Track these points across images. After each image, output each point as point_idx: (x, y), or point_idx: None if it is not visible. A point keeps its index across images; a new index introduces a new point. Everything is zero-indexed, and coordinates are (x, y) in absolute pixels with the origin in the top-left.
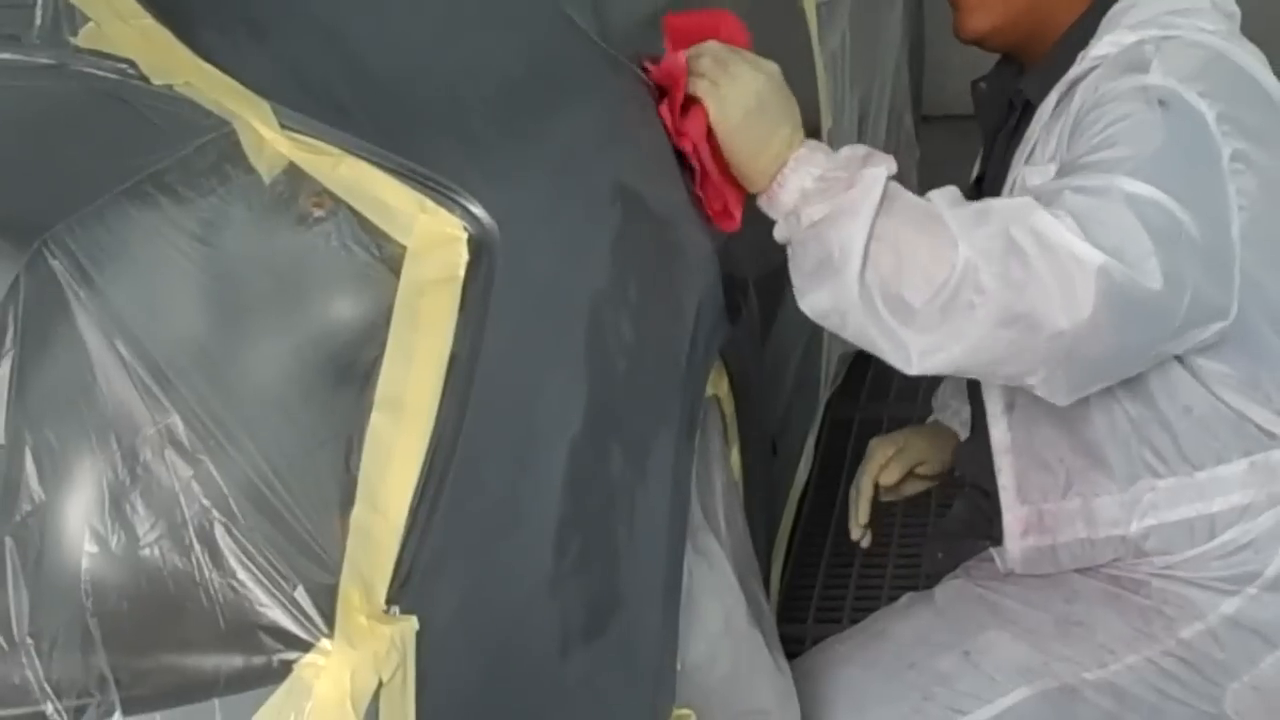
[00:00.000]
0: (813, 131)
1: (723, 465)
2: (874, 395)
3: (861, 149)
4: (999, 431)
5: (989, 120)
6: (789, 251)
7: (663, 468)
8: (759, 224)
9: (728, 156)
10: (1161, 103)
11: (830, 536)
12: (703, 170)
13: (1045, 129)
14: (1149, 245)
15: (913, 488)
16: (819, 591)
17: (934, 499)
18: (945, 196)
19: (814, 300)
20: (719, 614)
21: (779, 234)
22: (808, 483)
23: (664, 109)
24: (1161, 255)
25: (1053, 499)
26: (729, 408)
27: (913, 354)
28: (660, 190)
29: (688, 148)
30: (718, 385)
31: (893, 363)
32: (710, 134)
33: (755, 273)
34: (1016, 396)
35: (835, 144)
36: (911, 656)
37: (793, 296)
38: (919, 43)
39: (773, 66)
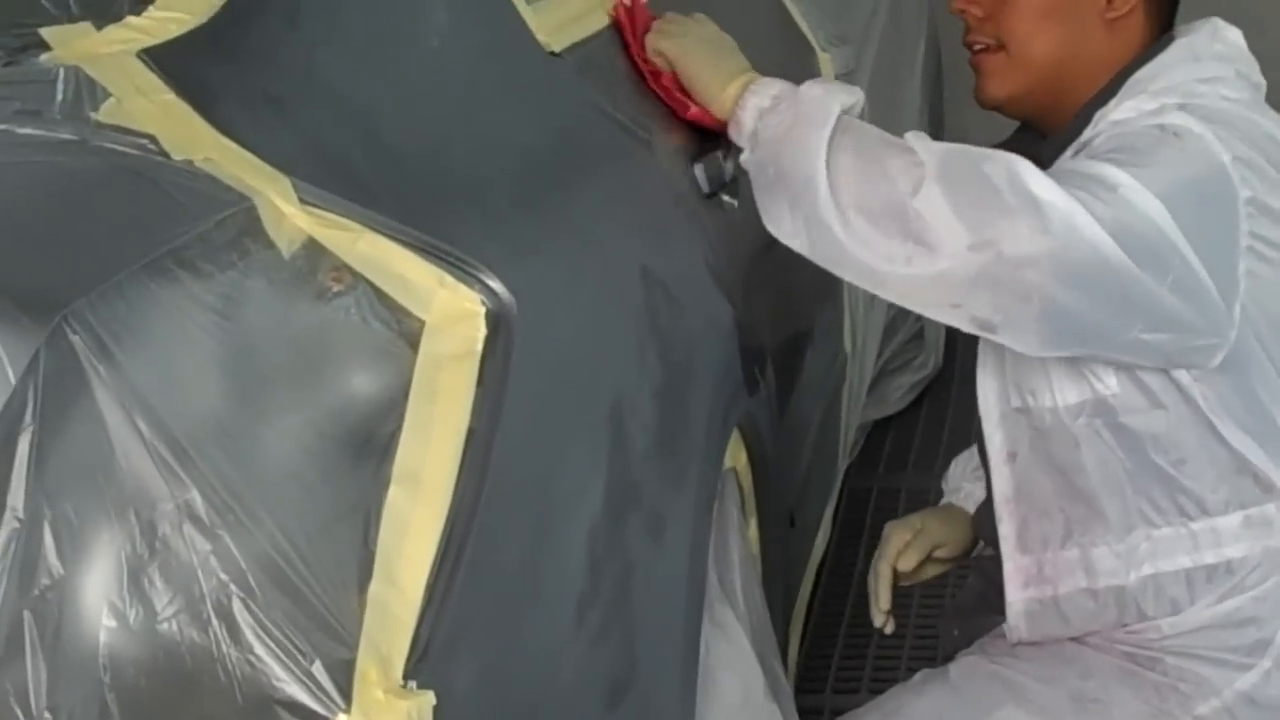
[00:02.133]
0: None
1: (740, 538)
2: (892, 465)
3: (822, 83)
4: (1001, 480)
5: None
6: (750, 174)
7: (680, 541)
8: (774, 298)
9: (688, 84)
10: (1176, 135)
11: (848, 607)
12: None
13: None
14: (1127, 230)
15: (932, 571)
16: (837, 662)
17: (952, 572)
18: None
19: (778, 218)
20: (737, 688)
21: (744, 159)
22: (826, 553)
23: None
24: (1138, 245)
25: (1052, 548)
26: (746, 480)
27: (881, 267)
28: (679, 265)
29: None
30: (735, 458)
31: (863, 285)
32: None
33: (772, 344)
34: (1019, 446)
35: None
36: None
37: (810, 367)
38: (938, 109)
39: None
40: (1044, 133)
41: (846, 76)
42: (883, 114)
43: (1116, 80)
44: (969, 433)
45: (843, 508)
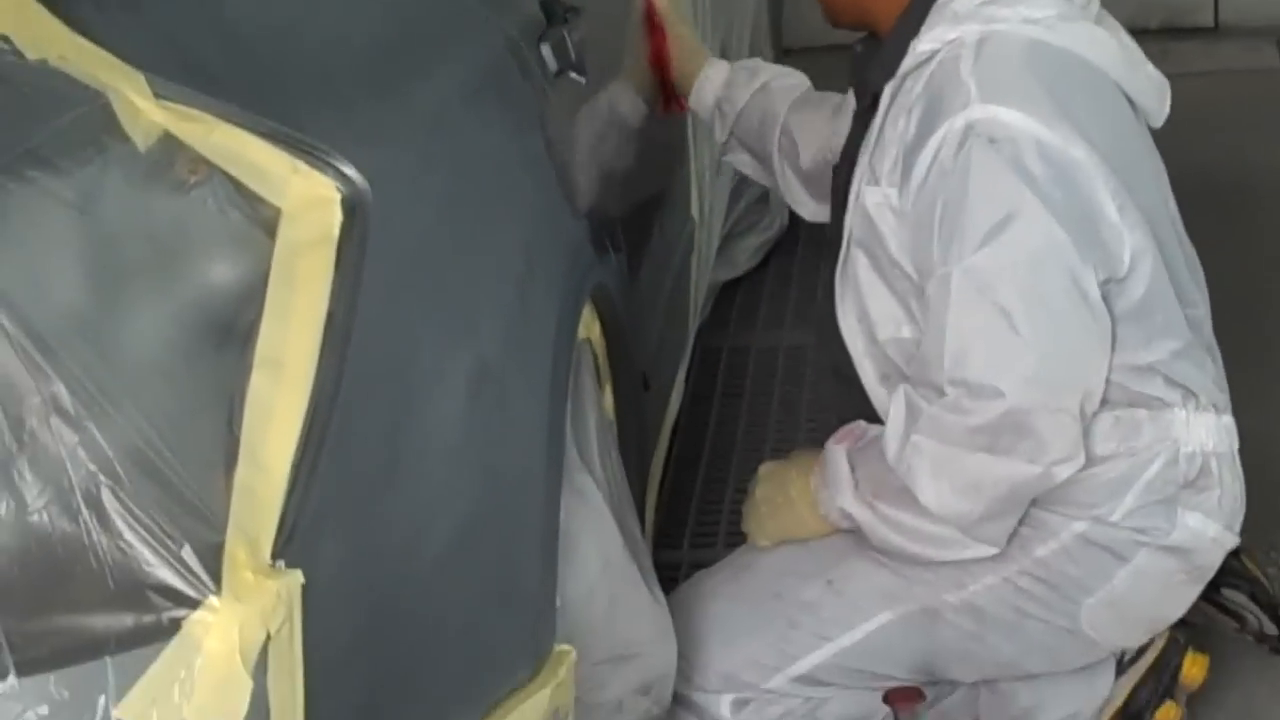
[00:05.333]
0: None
1: (596, 406)
2: (741, 325)
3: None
4: (878, 399)
5: (860, 92)
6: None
7: (538, 413)
8: (623, 170)
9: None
10: (992, 142)
11: (703, 465)
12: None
13: (881, 133)
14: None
15: None
16: (693, 518)
17: (804, 428)
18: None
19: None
20: (596, 552)
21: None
22: (680, 413)
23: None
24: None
25: None
26: (600, 349)
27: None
28: (526, 143)
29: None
30: (589, 328)
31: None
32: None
33: (622, 214)
34: (888, 369)
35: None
36: (777, 587)
37: (661, 234)
38: (778, 17)
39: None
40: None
41: None
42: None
43: (918, 7)
44: (815, 290)
45: (695, 368)
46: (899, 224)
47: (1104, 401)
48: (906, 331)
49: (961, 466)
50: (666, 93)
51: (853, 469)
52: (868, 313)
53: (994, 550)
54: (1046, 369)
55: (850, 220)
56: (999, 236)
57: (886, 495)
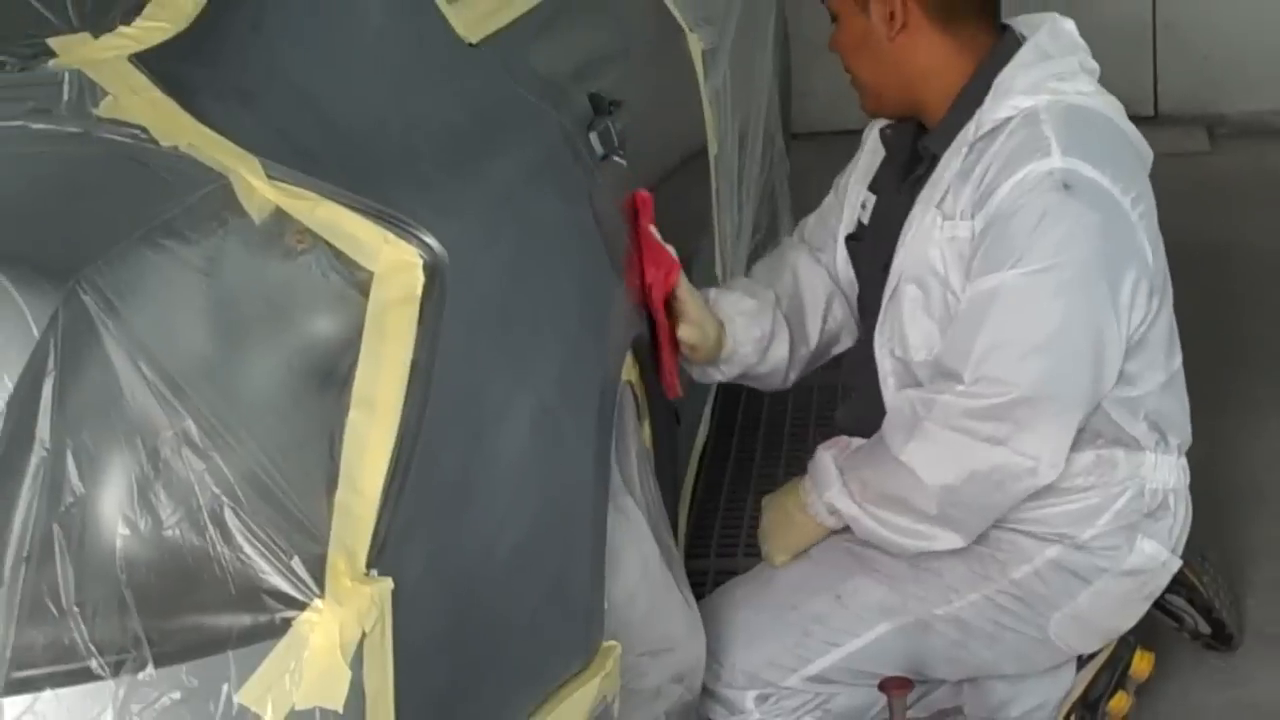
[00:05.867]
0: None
1: (636, 437)
2: None
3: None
4: (887, 393)
5: (894, 164)
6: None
7: (587, 445)
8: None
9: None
10: (1068, 187)
11: (725, 487)
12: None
13: (956, 181)
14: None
15: None
16: (718, 532)
17: (810, 455)
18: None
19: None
20: (637, 561)
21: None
22: (706, 444)
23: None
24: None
25: None
26: (640, 390)
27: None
28: (581, 216)
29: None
30: (630, 372)
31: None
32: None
33: None
34: (900, 376)
35: (721, 166)
36: (793, 600)
37: None
38: (786, 75)
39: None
40: (924, 125)
41: (712, 51)
42: (741, 80)
43: (979, 80)
44: None
45: (719, 406)
46: (968, 249)
47: (1093, 437)
48: (937, 352)
49: (960, 445)
50: (662, 373)
51: (841, 472)
52: (906, 337)
53: (961, 542)
54: (1065, 379)
55: (901, 261)
56: (1056, 263)
57: (871, 496)
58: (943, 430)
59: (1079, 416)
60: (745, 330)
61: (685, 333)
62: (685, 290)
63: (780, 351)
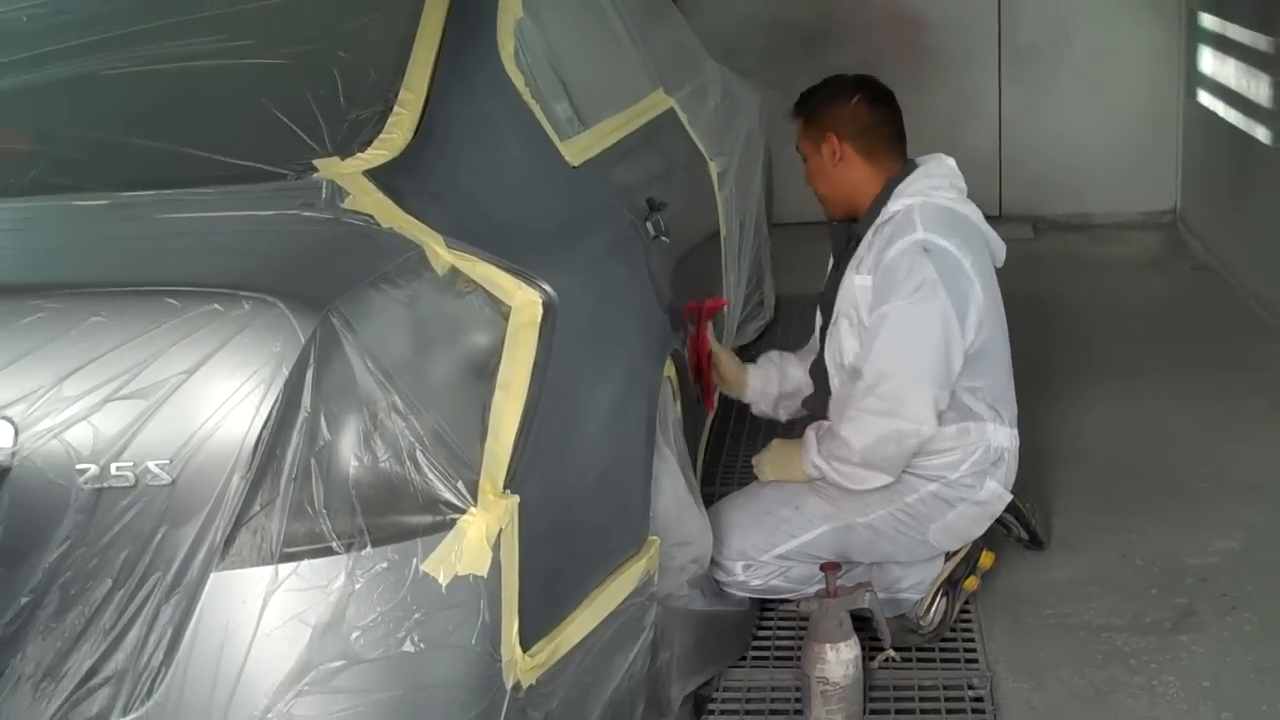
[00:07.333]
0: (715, 235)
1: (671, 411)
2: None
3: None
4: (835, 386)
5: (838, 245)
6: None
7: (642, 416)
8: (686, 285)
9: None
10: (926, 250)
11: (725, 445)
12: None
13: (866, 250)
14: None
15: None
16: (720, 473)
17: (780, 429)
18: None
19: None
20: (669, 486)
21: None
22: (714, 419)
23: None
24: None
25: None
26: (675, 382)
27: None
28: (640, 276)
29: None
30: (669, 369)
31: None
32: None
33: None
34: (843, 376)
35: (728, 243)
36: (768, 508)
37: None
38: (769, 180)
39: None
40: (854, 219)
41: (723, 172)
42: (742, 189)
43: (886, 190)
44: (791, 350)
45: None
46: (870, 294)
47: (955, 416)
48: (859, 355)
49: (869, 420)
50: (704, 391)
51: (818, 442)
52: (842, 350)
53: (889, 479)
54: (926, 370)
55: (839, 304)
56: (918, 296)
57: (833, 456)
58: (859, 412)
59: (940, 394)
60: (759, 389)
61: (716, 378)
62: (719, 353)
63: (773, 394)
